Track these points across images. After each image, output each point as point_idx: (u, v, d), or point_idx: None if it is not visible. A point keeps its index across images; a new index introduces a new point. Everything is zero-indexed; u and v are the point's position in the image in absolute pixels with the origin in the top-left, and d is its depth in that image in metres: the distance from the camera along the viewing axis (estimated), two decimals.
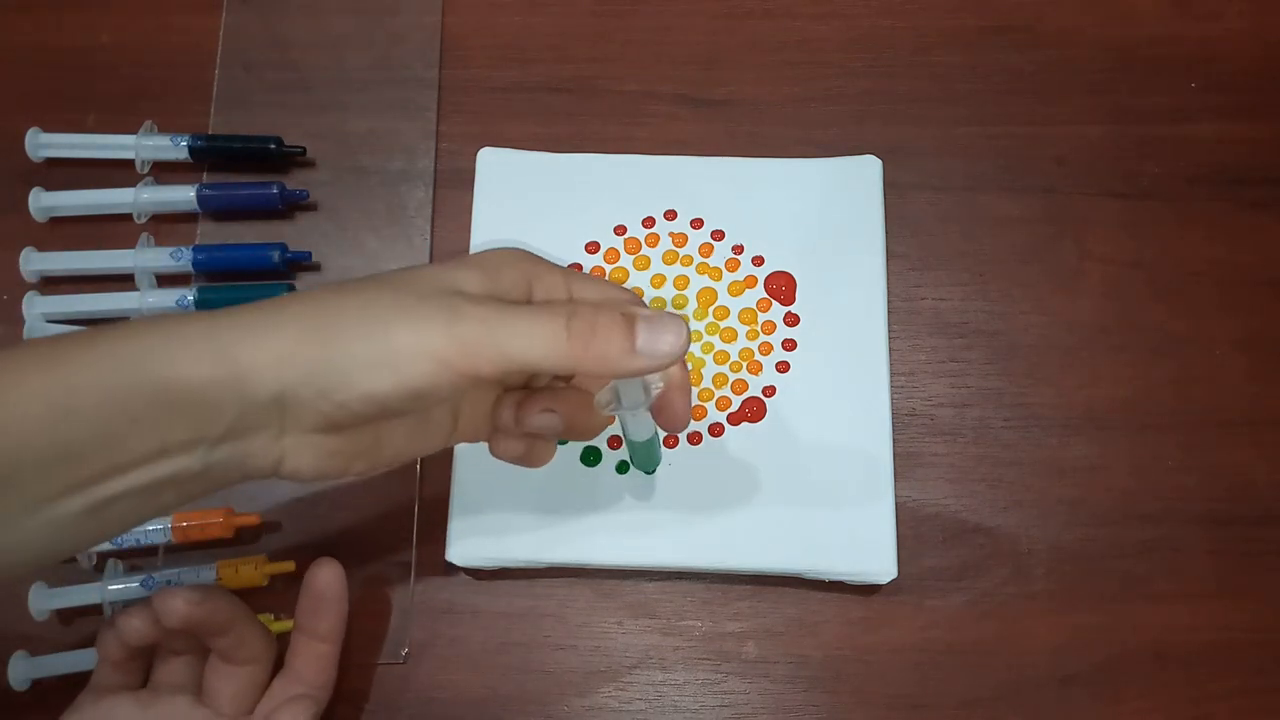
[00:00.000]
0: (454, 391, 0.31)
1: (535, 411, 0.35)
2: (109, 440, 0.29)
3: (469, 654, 0.43)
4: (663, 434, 0.42)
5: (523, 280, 0.34)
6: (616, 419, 0.40)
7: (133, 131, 0.48)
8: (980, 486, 0.45)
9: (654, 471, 0.43)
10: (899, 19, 0.52)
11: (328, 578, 0.40)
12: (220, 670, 0.39)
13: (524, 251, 0.36)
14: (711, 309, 0.46)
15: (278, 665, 0.40)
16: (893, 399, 0.45)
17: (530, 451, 0.37)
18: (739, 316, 0.46)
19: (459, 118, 0.50)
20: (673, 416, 0.37)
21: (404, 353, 0.31)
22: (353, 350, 0.31)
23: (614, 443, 0.44)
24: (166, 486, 0.31)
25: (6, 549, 0.30)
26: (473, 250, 0.47)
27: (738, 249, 0.47)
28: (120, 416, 0.29)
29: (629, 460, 0.43)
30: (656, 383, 0.35)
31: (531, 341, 0.31)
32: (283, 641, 0.41)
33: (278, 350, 0.30)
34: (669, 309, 0.46)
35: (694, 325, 0.46)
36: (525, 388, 0.36)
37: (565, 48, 0.51)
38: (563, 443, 0.44)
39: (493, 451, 0.37)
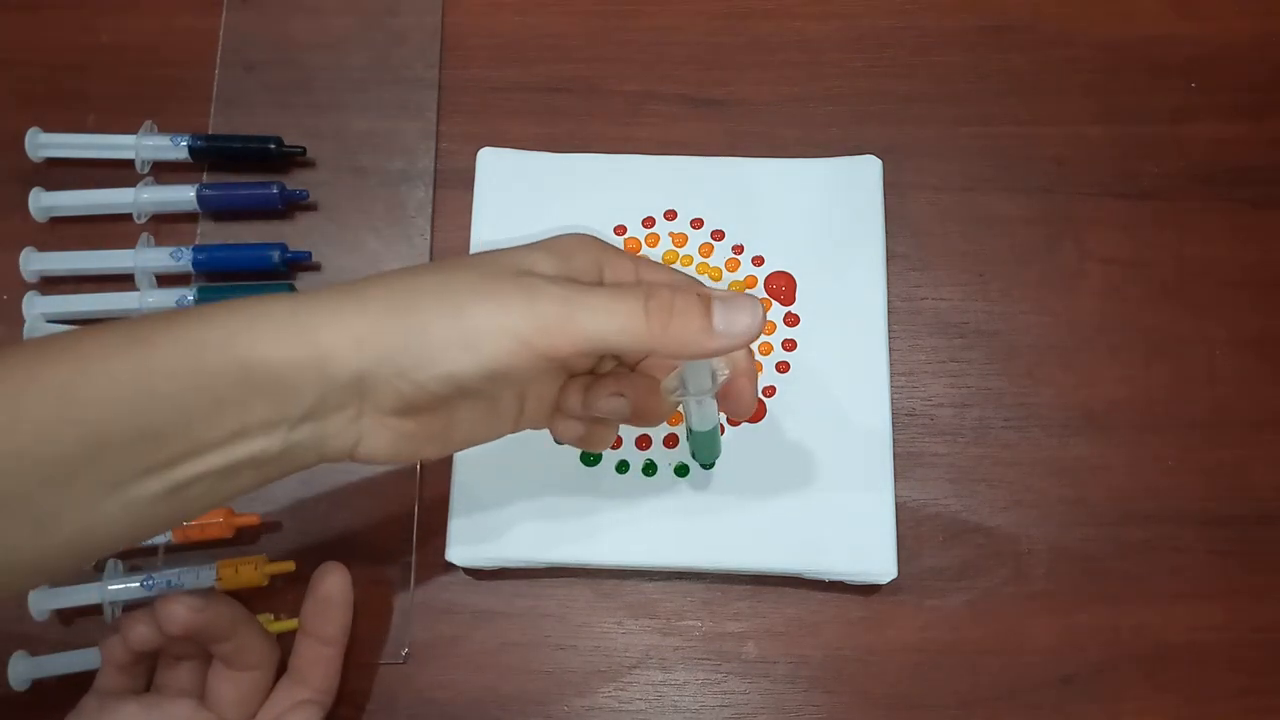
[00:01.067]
0: (531, 371, 0.31)
1: (604, 395, 0.35)
2: (190, 422, 0.30)
3: (469, 654, 0.43)
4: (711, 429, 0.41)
5: (594, 265, 0.34)
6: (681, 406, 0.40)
7: (133, 131, 0.48)
8: (980, 486, 0.45)
9: (712, 466, 0.43)
10: (899, 19, 0.52)
11: (334, 583, 0.40)
12: (223, 675, 0.39)
13: (594, 237, 0.36)
14: None
15: (281, 669, 0.40)
16: (893, 399, 0.45)
17: (591, 435, 0.37)
18: None
19: (459, 118, 0.50)
20: (739, 403, 0.37)
21: (483, 332, 0.30)
22: (433, 330, 0.31)
23: (614, 442, 0.44)
24: (245, 468, 0.31)
25: (86, 530, 0.30)
26: (473, 250, 0.47)
27: (738, 249, 0.47)
28: (203, 398, 0.29)
29: (690, 454, 0.43)
30: (723, 369, 0.35)
31: (610, 321, 0.31)
32: (284, 641, 0.41)
33: (359, 331, 0.30)
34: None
35: None
36: (590, 373, 0.36)
37: (565, 48, 0.51)
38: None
39: (554, 434, 0.37)
